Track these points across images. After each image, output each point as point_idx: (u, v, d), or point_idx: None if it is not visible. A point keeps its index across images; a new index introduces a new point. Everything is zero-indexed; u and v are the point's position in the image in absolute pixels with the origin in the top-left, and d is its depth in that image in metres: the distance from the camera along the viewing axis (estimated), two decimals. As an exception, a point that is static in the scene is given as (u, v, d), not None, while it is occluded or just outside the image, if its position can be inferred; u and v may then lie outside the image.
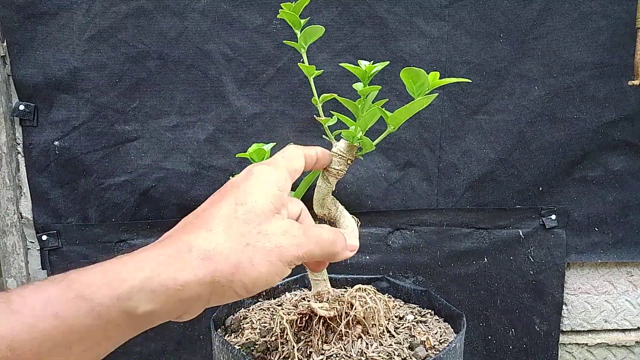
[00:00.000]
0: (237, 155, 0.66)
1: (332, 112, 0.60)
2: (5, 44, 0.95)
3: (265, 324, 0.71)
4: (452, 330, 0.71)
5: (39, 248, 1.03)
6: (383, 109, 0.54)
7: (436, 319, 0.74)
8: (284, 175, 0.42)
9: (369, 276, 0.88)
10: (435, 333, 0.69)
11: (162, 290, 0.33)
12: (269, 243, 0.37)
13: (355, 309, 0.62)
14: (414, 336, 0.66)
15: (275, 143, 0.67)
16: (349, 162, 0.59)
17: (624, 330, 1.16)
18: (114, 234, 1.02)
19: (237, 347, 0.63)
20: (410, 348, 0.63)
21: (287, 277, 0.87)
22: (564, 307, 1.13)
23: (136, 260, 0.34)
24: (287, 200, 0.42)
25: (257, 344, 0.64)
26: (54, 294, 0.31)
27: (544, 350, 1.11)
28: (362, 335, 0.62)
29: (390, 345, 0.62)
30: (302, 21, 0.57)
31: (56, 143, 0.98)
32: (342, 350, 0.60)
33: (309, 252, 0.40)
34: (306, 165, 0.47)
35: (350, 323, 0.62)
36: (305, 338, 0.62)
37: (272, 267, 0.37)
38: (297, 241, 0.39)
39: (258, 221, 0.38)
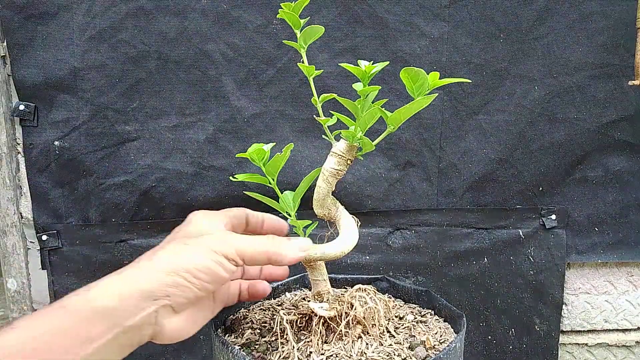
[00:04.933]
0: (237, 155, 0.66)
1: (332, 112, 0.60)
2: (5, 44, 0.95)
3: (265, 324, 0.71)
4: (452, 330, 0.71)
5: (39, 248, 1.02)
6: (383, 109, 0.54)
7: (436, 319, 0.74)
8: (219, 216, 0.56)
9: (369, 276, 0.88)
10: (435, 333, 0.69)
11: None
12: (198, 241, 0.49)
13: (355, 309, 0.62)
14: (414, 336, 0.66)
15: (275, 143, 0.67)
16: (348, 162, 0.59)
17: (624, 330, 1.16)
18: (114, 234, 1.02)
19: (237, 347, 0.62)
20: (410, 348, 0.63)
21: (287, 277, 0.88)
22: (564, 307, 1.13)
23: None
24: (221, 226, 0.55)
25: (257, 344, 0.64)
26: (44, 309, 0.41)
27: (544, 350, 1.11)
28: (362, 335, 0.62)
29: (390, 345, 0.62)
30: (302, 21, 0.57)
31: (56, 143, 0.98)
32: (342, 350, 0.60)
33: (238, 249, 0.49)
34: (250, 222, 0.61)
35: (350, 323, 0.62)
36: (305, 338, 0.62)
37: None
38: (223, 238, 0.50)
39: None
